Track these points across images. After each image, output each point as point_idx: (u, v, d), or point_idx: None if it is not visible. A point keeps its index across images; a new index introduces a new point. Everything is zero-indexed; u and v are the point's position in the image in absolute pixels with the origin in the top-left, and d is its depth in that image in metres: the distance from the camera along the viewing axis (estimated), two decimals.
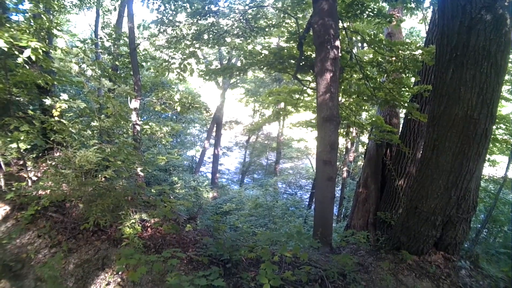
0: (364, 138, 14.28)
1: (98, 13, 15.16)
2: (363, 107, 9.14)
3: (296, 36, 7.76)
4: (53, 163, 6.42)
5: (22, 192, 5.60)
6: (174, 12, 9.14)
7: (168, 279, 3.48)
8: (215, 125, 23.00)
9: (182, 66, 10.08)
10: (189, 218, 8.24)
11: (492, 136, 8.18)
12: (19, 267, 4.63)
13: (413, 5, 5.72)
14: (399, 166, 7.86)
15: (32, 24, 5.71)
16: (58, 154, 6.06)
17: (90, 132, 5.73)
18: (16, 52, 4.13)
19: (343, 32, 6.78)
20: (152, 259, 4.09)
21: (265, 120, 14.12)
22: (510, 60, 8.89)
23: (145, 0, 8.70)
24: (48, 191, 5.43)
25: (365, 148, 10.09)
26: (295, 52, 8.01)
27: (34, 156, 6.55)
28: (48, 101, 5.30)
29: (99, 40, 10.78)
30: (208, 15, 8.13)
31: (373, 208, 8.19)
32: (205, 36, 9.41)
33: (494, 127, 8.30)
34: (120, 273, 4.41)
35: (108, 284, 4.38)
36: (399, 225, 4.83)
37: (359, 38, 7.70)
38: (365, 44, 12.95)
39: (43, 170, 6.54)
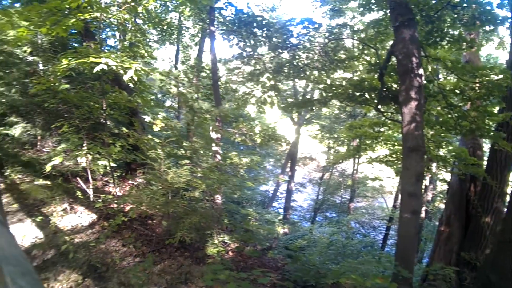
0: (445, 174, 13.43)
1: (178, 49, 16.38)
2: (446, 139, 8.74)
3: (377, 67, 7.82)
4: (138, 181, 6.98)
5: (109, 202, 6.10)
6: (254, 47, 9.70)
7: None
8: (289, 161, 23.21)
9: (262, 98, 10.61)
10: (266, 248, 8.33)
11: None
12: (104, 269, 4.93)
13: (491, 27, 5.52)
14: (486, 201, 7.28)
15: (127, 51, 6.58)
16: (143, 172, 6.54)
17: (183, 152, 6.18)
18: (122, 72, 4.79)
19: (424, 60, 6.75)
20: (242, 275, 4.04)
21: (344, 154, 14.01)
22: None
23: (225, 36, 9.40)
24: (134, 205, 5.85)
25: (447, 185, 9.55)
26: (375, 83, 8.00)
27: (118, 174, 7.16)
28: (148, 118, 5.94)
29: (182, 72, 11.77)
30: (289, 48, 8.57)
31: (456, 248, 7.60)
32: (285, 70, 9.85)
33: None
34: None
35: None
36: (489, 262, 4.50)
37: (439, 66, 7.52)
38: (441, 76, 12.52)
39: (126, 188, 7.16)
